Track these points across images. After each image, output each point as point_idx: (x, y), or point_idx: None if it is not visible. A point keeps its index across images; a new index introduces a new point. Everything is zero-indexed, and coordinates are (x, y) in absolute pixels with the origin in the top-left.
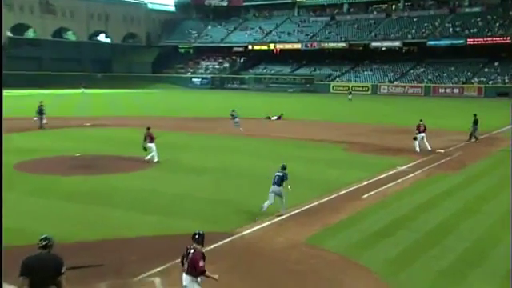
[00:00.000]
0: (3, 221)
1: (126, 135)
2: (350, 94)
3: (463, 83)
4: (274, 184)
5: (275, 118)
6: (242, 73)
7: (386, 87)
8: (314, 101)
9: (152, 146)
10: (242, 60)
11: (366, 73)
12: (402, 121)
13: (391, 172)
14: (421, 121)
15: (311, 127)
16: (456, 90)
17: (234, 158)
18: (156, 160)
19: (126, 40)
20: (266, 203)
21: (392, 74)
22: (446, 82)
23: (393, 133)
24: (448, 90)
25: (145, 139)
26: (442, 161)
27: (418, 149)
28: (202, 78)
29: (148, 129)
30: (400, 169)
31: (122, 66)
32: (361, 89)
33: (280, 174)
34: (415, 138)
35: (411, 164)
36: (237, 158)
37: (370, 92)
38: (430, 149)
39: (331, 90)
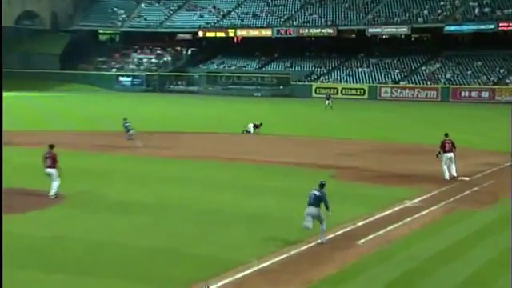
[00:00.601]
0: None
1: (20, 158)
2: (329, 98)
3: (494, 84)
4: (309, 205)
5: (251, 126)
6: (189, 70)
7: (388, 90)
8: (291, 109)
9: (52, 172)
10: (189, 52)
11: (361, 70)
12: (410, 136)
13: (396, 208)
14: (446, 136)
15: (287, 145)
16: (485, 94)
17: (177, 189)
18: (53, 193)
19: (20, 21)
20: (309, 224)
21: (397, 71)
22: (471, 83)
23: (397, 153)
24: (474, 94)
25: (45, 161)
26: (467, 192)
27: (447, 175)
28: (134, 77)
29: (51, 147)
30: (409, 203)
31: (14, 58)
32: (354, 92)
33: (317, 192)
34: (438, 155)
35: (424, 197)
36: (181, 190)
37: (366, 96)
38: (454, 174)
39: (313, 94)
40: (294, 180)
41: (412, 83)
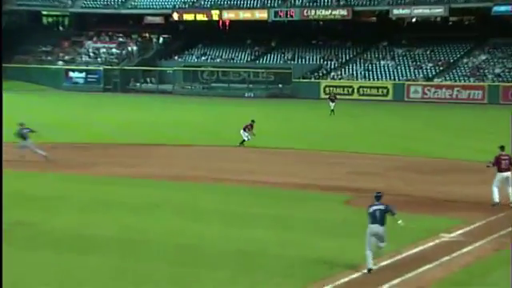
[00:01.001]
0: None
1: None
2: (334, 99)
3: None
4: (373, 223)
5: (243, 134)
6: (161, 63)
7: (419, 89)
8: (293, 114)
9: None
10: (161, 40)
11: (383, 63)
12: (446, 150)
13: (430, 243)
14: (502, 149)
15: (287, 162)
16: None
17: (146, 219)
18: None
19: None
20: (370, 259)
21: (430, 65)
22: None
23: (430, 171)
24: None
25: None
26: None
27: (497, 199)
28: (88, 73)
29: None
30: (446, 237)
31: None
32: (375, 92)
33: (381, 206)
34: (489, 166)
35: (466, 229)
36: (152, 221)
37: (390, 97)
38: (510, 200)
39: (322, 95)
40: (295, 207)
41: (450, 80)
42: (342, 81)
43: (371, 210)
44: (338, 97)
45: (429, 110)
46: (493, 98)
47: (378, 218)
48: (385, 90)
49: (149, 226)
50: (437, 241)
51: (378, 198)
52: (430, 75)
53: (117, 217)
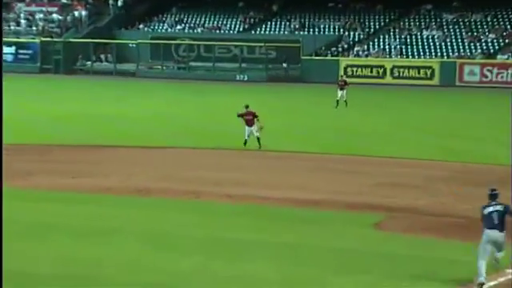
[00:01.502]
0: None
1: None
2: (343, 87)
3: None
4: (490, 227)
5: (249, 130)
6: (120, 34)
7: (476, 69)
8: (303, 105)
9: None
10: (119, 2)
11: (427, 34)
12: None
13: (496, 281)
14: None
15: (297, 170)
16: None
17: (102, 248)
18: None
19: None
20: (483, 270)
21: (492, 36)
22: None
23: (492, 184)
24: None
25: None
26: None
27: None
28: (19, 47)
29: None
30: None
31: None
32: (414, 73)
33: (499, 207)
34: None
35: None
36: (109, 250)
37: (437, 81)
38: None
39: (341, 77)
40: (306, 232)
41: None
42: (369, 59)
43: (487, 211)
44: (347, 83)
45: (489, 99)
46: None
47: (496, 222)
48: (429, 71)
49: (102, 257)
50: (501, 279)
51: (495, 196)
52: (492, 50)
53: (58, 246)
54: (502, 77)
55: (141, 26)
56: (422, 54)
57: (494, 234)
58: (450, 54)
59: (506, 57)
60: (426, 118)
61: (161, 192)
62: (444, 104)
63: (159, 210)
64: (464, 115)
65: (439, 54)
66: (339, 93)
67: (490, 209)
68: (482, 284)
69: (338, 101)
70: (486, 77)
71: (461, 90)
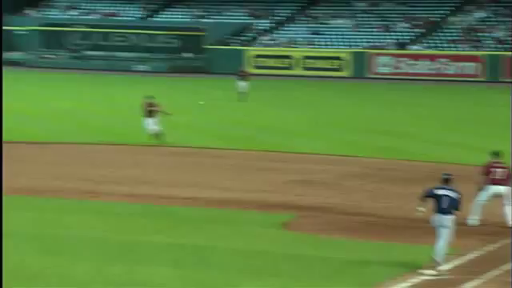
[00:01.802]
0: None
1: None
2: (245, 78)
3: None
4: (440, 212)
5: (149, 122)
6: (6, 21)
7: (388, 60)
8: (208, 97)
9: None
10: None
11: (336, 23)
12: (427, 150)
13: (406, 283)
14: (496, 155)
15: (203, 168)
16: None
17: None
18: None
19: None
20: (441, 253)
21: (404, 26)
22: None
23: (405, 181)
24: None
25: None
26: None
27: (474, 221)
28: None
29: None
30: (428, 274)
31: None
32: (324, 64)
33: (451, 193)
34: (481, 189)
35: (457, 262)
36: None
37: (347, 72)
38: (510, 222)
39: (249, 67)
40: (212, 233)
41: (432, 48)
42: (277, 48)
43: (439, 192)
44: (248, 73)
45: (402, 91)
46: (493, 72)
47: (446, 207)
48: (339, 63)
49: None
50: (415, 280)
51: (447, 181)
52: (405, 40)
53: None
54: (415, 68)
55: (28, 12)
56: (332, 44)
57: (442, 218)
58: (361, 44)
59: (418, 47)
60: (338, 111)
61: (55, 191)
62: (355, 97)
63: (52, 211)
64: (376, 108)
65: (350, 44)
66: (240, 84)
67: (443, 192)
68: (438, 265)
69: (240, 93)
70: (399, 68)
71: (372, 82)
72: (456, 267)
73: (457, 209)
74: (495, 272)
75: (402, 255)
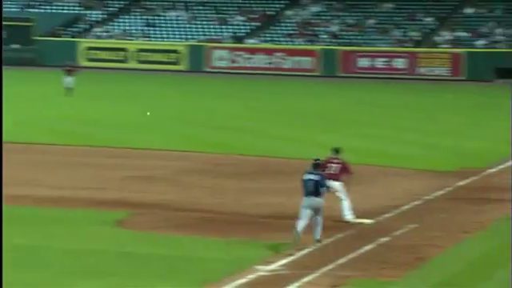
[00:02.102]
0: None
1: None
2: (71, 73)
3: (416, 44)
4: (307, 195)
5: None
6: None
7: (225, 54)
8: (36, 90)
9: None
10: None
11: (171, 15)
12: (269, 145)
13: (240, 280)
14: (336, 152)
15: (31, 163)
16: (398, 63)
17: None
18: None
19: None
20: (301, 224)
21: (240, 18)
22: (376, 43)
23: (246, 176)
24: (380, 62)
25: None
26: (369, 247)
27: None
28: None
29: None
30: (264, 270)
31: None
32: (161, 58)
33: (315, 176)
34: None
35: (293, 257)
36: None
37: (184, 66)
38: (348, 217)
39: (82, 60)
40: (43, 232)
41: (268, 42)
42: (111, 41)
43: (305, 177)
44: (75, 67)
45: (239, 85)
46: (328, 67)
47: (311, 190)
48: (176, 56)
49: None
50: (250, 276)
51: (316, 165)
52: (241, 34)
53: None
54: (252, 62)
55: None
56: (168, 36)
57: (311, 200)
58: (198, 37)
59: (255, 41)
60: (175, 105)
61: None
62: (193, 91)
63: None
64: (215, 103)
65: (186, 37)
66: (66, 80)
67: (308, 176)
68: (297, 234)
69: (66, 88)
70: (236, 62)
71: (209, 76)
72: (291, 262)
73: (320, 191)
74: (329, 266)
75: (240, 251)
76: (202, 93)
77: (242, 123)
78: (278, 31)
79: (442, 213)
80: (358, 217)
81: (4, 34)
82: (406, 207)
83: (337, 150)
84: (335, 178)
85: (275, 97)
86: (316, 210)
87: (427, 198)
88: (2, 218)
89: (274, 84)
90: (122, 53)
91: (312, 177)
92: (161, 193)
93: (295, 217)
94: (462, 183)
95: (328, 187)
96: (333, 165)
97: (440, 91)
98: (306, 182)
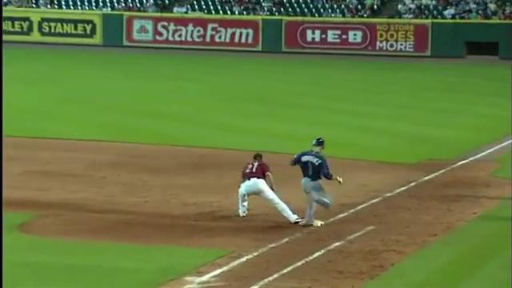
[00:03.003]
0: None
1: None
2: None
3: (371, 14)
4: (305, 176)
5: None
6: None
7: (149, 24)
8: None
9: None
10: None
11: None
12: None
13: None
14: (258, 158)
15: None
16: (355, 36)
17: None
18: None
19: None
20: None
21: None
22: (326, 11)
23: (174, 170)
24: (331, 35)
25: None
26: (319, 254)
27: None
28: None
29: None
30: (195, 282)
31: None
32: (71, 29)
33: (314, 158)
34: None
35: (231, 264)
36: None
37: (99, 39)
38: (292, 218)
39: None
40: None
41: (198, 11)
42: (9, 7)
43: (304, 159)
44: None
45: (166, 62)
46: (271, 41)
47: (310, 172)
48: (89, 27)
49: None
50: None
51: (320, 143)
52: (167, 1)
53: None
54: (180, 36)
55: None
56: (78, 3)
57: (308, 183)
58: (115, 4)
59: (184, 10)
60: (88, 87)
61: None
62: (110, 69)
63: None
64: (136, 83)
65: (101, 4)
66: None
67: (307, 158)
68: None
69: None
70: (161, 35)
71: (130, 51)
72: (227, 272)
73: (320, 174)
74: (272, 276)
75: (166, 260)
76: (121, 72)
77: (168, 108)
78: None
79: (404, 212)
80: (303, 218)
81: None
82: (362, 206)
83: (258, 156)
84: (253, 175)
85: (208, 77)
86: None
87: (387, 195)
88: (2, 219)
89: (207, 61)
90: (24, 23)
91: (311, 159)
92: (70, 191)
93: (232, 219)
94: (427, 177)
95: (329, 174)
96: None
97: (402, 70)
98: (304, 163)
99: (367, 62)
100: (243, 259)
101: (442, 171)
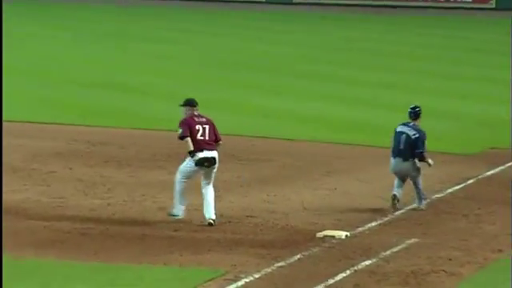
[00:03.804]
0: None
1: None
2: None
3: None
4: (395, 156)
5: None
6: None
7: None
8: None
9: None
10: None
11: None
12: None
13: None
14: (194, 105)
15: None
16: None
17: None
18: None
19: None
20: (396, 190)
21: None
22: None
23: (142, 162)
24: None
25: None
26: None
27: (179, 209)
28: None
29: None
30: None
31: None
32: None
33: (411, 131)
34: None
35: (233, 286)
36: None
37: None
38: (212, 217)
39: None
40: None
41: None
42: None
43: (398, 129)
44: None
45: (142, 16)
46: None
47: (402, 149)
48: None
49: None
50: None
51: (414, 114)
52: None
53: None
54: None
55: None
56: None
57: (399, 164)
58: None
59: None
60: (29, 50)
61: None
62: (57, 27)
63: None
64: (98, 47)
65: None
66: None
67: (402, 128)
68: (395, 196)
69: None
70: None
71: (85, 1)
72: None
73: (416, 150)
74: None
75: (134, 284)
76: (72, 30)
77: (138, 79)
78: None
79: (458, 220)
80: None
81: None
82: (401, 211)
83: (191, 103)
84: (206, 147)
85: (194, 36)
86: (403, 178)
87: (436, 196)
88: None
89: (194, 15)
90: None
91: (408, 131)
92: (5, 190)
93: (225, 229)
94: (490, 172)
95: (423, 153)
96: (201, 126)
97: (458, 27)
98: (396, 134)
99: (410, 18)
100: (241, 282)
101: (510, 164)
